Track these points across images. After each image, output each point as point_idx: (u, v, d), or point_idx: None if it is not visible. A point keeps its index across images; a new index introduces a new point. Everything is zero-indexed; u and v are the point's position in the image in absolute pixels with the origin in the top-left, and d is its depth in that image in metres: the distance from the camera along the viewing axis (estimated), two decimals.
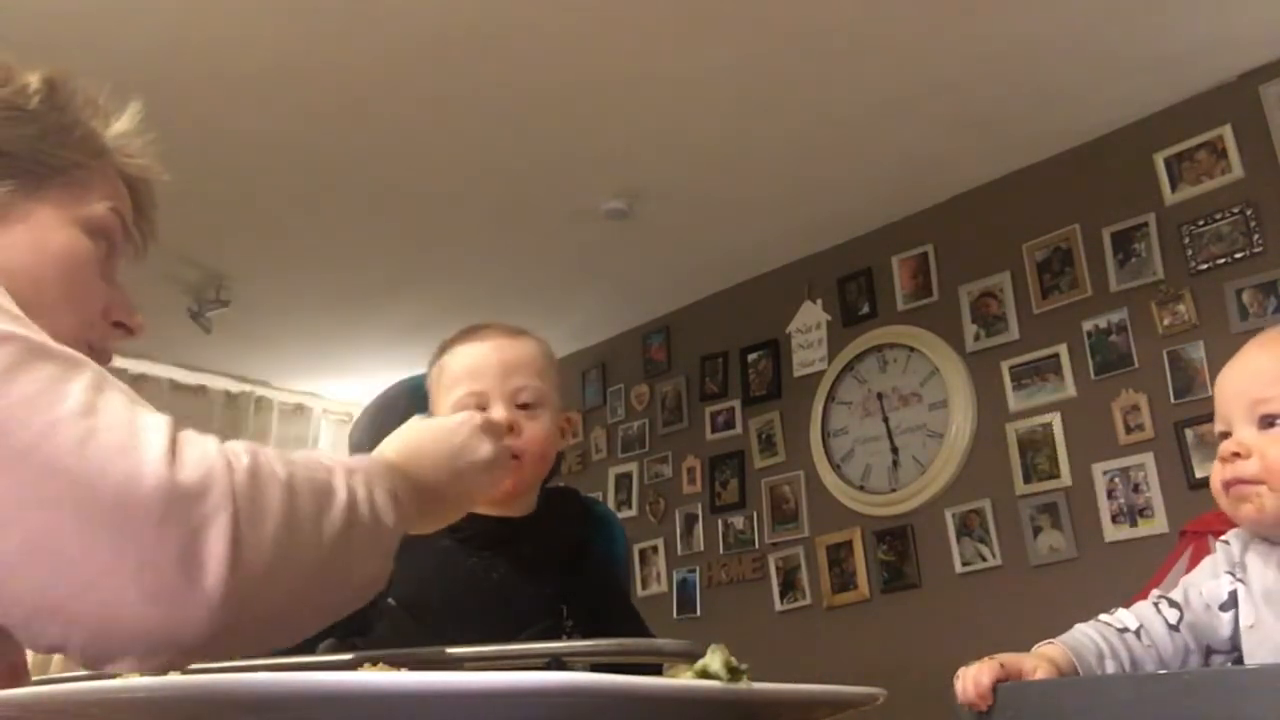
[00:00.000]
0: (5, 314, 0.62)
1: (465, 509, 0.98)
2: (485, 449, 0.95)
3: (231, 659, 0.64)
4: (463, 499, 0.95)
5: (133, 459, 0.57)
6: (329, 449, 4.89)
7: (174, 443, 0.60)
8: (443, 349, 1.39)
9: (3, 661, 0.76)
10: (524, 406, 1.33)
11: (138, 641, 0.57)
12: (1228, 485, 1.00)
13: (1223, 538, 1.05)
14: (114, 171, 0.91)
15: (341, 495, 0.68)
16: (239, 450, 0.63)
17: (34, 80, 0.86)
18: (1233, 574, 1.00)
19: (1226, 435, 1.03)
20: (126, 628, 0.57)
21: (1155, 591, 1.07)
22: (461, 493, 0.94)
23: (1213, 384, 1.10)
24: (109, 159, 0.90)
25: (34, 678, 0.84)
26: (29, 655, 0.81)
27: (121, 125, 0.92)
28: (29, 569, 0.56)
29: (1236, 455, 1.00)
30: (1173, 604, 1.02)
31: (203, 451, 0.61)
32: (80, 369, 0.61)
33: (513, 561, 1.32)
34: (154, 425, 0.60)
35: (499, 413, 1.31)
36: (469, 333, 1.39)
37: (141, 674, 0.61)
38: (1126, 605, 1.03)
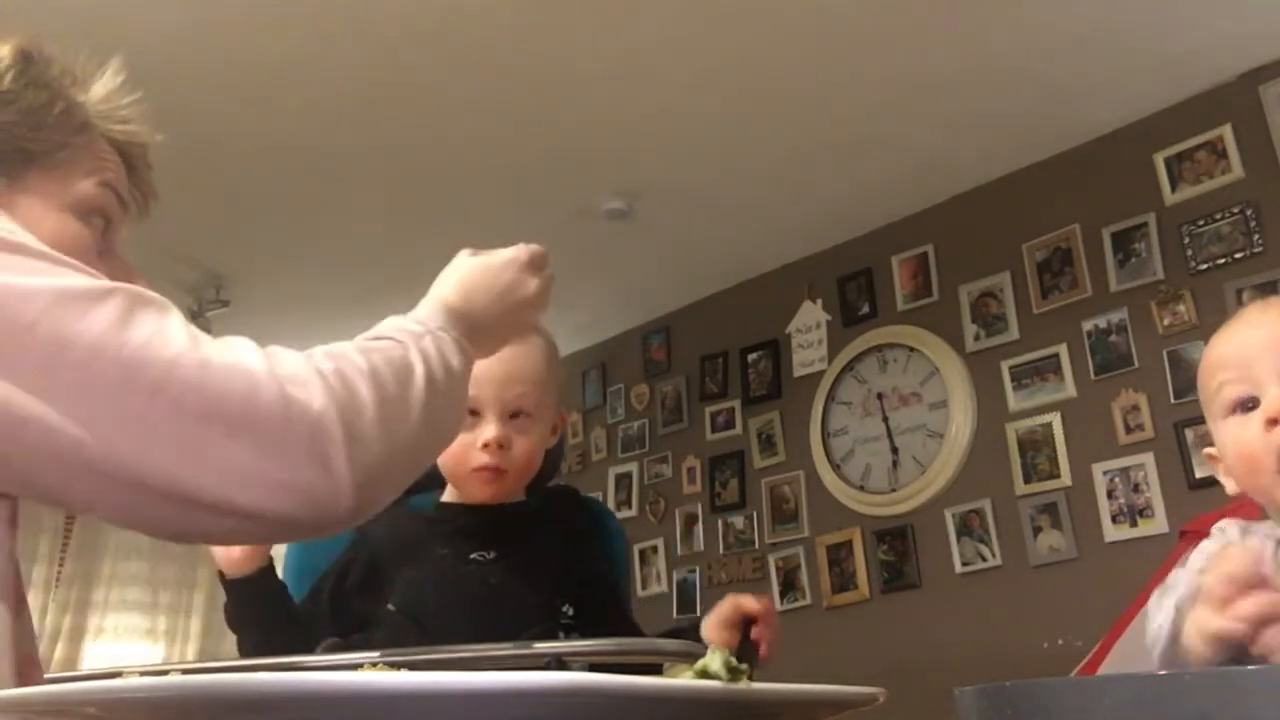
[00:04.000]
0: (80, 270, 0.70)
1: (511, 340, 1.03)
2: (532, 285, 1.00)
3: (362, 521, 0.74)
4: (510, 331, 1.01)
5: (248, 375, 0.68)
6: None
7: (269, 359, 0.70)
8: None
9: (18, 652, 0.76)
10: (517, 416, 1.33)
11: (284, 525, 0.69)
12: None
13: (1217, 525, 1.00)
14: (100, 141, 0.89)
15: (419, 367, 0.79)
16: (320, 356, 0.73)
17: (6, 54, 0.84)
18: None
19: (1248, 402, 0.93)
20: (274, 515, 0.67)
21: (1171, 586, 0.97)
22: (510, 325, 1.00)
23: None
24: (93, 129, 0.88)
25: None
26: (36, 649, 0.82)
27: (102, 90, 0.91)
28: (186, 474, 0.65)
29: None
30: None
31: (295, 364, 0.71)
32: (171, 309, 0.71)
33: (509, 567, 1.32)
34: (247, 346, 0.71)
35: (492, 428, 1.30)
36: None
37: (183, 670, 0.65)
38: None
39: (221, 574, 1.28)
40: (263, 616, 1.28)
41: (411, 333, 0.82)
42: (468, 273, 0.96)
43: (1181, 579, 0.93)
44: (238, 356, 0.69)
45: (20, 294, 0.65)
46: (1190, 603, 0.84)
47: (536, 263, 1.00)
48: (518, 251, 1.00)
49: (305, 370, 0.71)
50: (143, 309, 0.68)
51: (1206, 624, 0.78)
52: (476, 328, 0.91)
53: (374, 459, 0.71)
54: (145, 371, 0.65)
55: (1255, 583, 0.76)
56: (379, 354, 0.77)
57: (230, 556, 1.24)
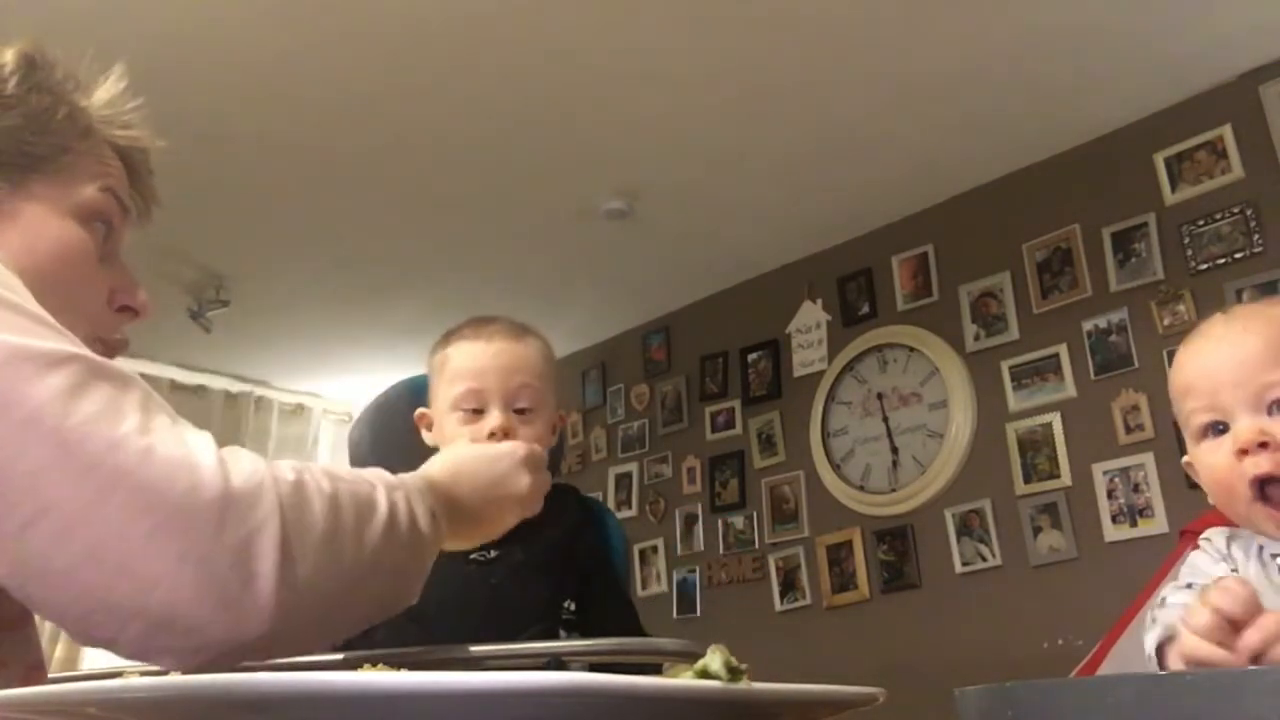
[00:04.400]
0: (54, 330, 0.66)
1: (495, 534, 1.00)
2: (524, 482, 0.98)
3: (276, 658, 0.67)
4: (494, 524, 0.98)
5: (192, 471, 0.62)
6: (329, 449, 4.89)
7: (222, 457, 0.65)
8: (447, 338, 1.40)
9: (21, 664, 0.76)
10: (521, 411, 1.34)
11: (193, 639, 0.62)
12: (1263, 481, 0.87)
13: (1204, 535, 0.99)
14: (103, 146, 0.88)
15: (383, 509, 0.73)
16: (284, 466, 0.68)
17: (9, 59, 0.83)
18: (1225, 561, 0.97)
19: (1219, 425, 0.93)
20: (184, 625, 0.61)
21: (1173, 584, 0.98)
22: (494, 518, 0.97)
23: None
24: (96, 134, 0.88)
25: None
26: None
27: (105, 94, 0.90)
28: (93, 570, 0.60)
29: (1264, 445, 0.88)
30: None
31: (251, 465, 0.66)
32: (131, 388, 0.66)
33: (509, 566, 1.32)
34: (202, 441, 0.65)
35: (496, 417, 1.32)
36: (475, 326, 1.39)
37: (181, 671, 0.64)
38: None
39: None
40: None
41: (386, 482, 0.77)
42: (460, 458, 0.96)
43: (1169, 603, 0.92)
44: (187, 449, 0.64)
45: None
46: (1174, 638, 0.85)
47: (533, 462, 1.00)
48: (515, 447, 1.00)
49: (259, 474, 0.66)
50: (99, 382, 0.64)
51: (1206, 656, 0.78)
52: (456, 510, 0.89)
53: (307, 586, 0.65)
54: (83, 448, 0.61)
55: (1252, 613, 0.76)
56: (346, 484, 0.71)
57: None
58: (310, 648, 0.69)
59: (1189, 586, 0.94)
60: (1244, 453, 0.90)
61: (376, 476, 0.77)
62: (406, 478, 0.81)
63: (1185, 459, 1.01)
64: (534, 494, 0.99)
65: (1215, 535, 0.99)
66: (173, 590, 0.61)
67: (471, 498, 0.92)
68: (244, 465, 0.65)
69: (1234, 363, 0.93)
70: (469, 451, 0.98)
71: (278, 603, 0.63)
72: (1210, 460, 0.94)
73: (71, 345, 0.66)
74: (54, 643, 4.66)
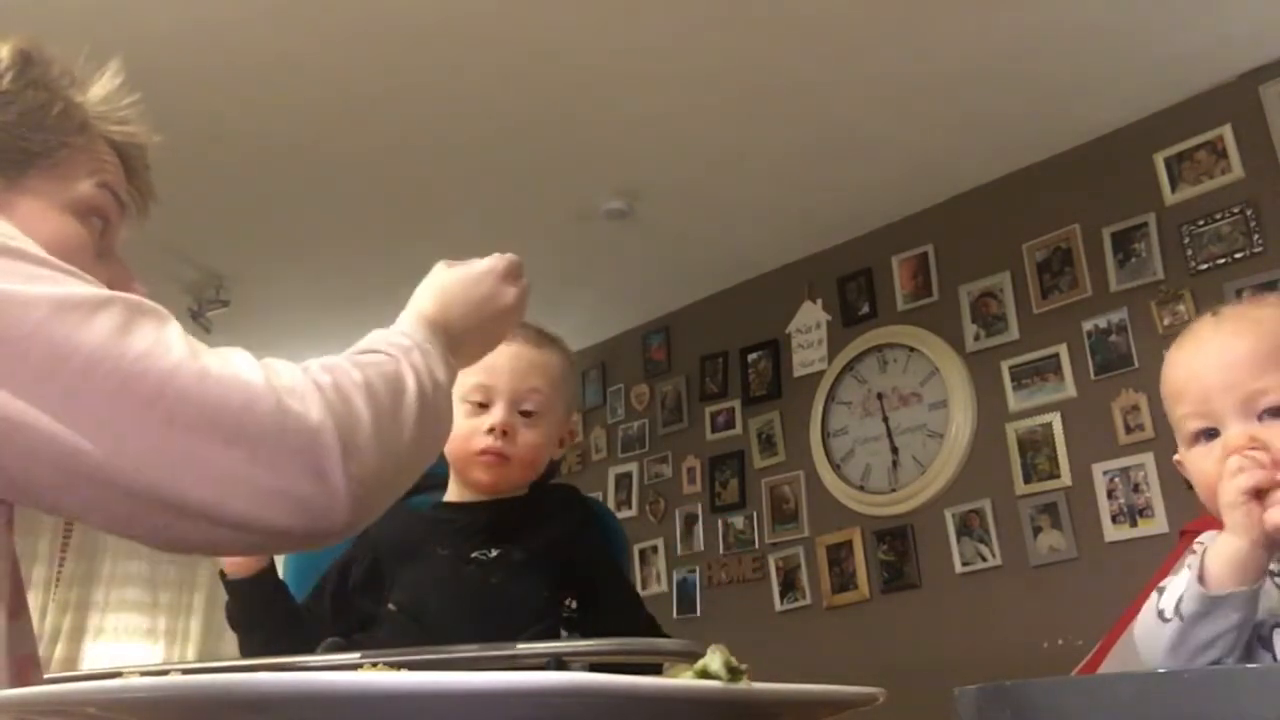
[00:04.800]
0: (81, 277, 0.70)
1: (493, 348, 1.03)
2: (510, 293, 1.00)
3: (354, 534, 0.76)
4: (489, 341, 1.01)
5: (245, 387, 0.68)
6: None
7: (266, 371, 0.70)
8: None
9: (18, 652, 0.76)
10: (526, 414, 1.35)
11: (278, 537, 0.69)
12: (1257, 492, 0.87)
13: (1199, 539, 1.01)
14: (99, 141, 0.89)
15: (410, 381, 0.79)
16: (316, 368, 0.74)
17: (5, 55, 0.84)
18: None
19: (1209, 432, 0.94)
20: (267, 526, 0.68)
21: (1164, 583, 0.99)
22: (488, 335, 1.00)
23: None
24: (92, 130, 0.88)
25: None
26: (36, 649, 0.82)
27: (101, 90, 0.91)
28: (175, 486, 0.66)
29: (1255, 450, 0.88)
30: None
31: (292, 376, 0.71)
32: (169, 320, 0.71)
33: (510, 566, 1.32)
34: (245, 358, 0.71)
35: (499, 412, 1.33)
36: None
37: (183, 670, 0.66)
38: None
39: (223, 574, 1.28)
40: (264, 617, 1.29)
41: (401, 347, 0.82)
42: (445, 284, 0.96)
43: (1182, 574, 0.93)
44: (235, 368, 0.69)
45: (19, 301, 0.65)
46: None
47: (513, 272, 1.01)
48: (494, 261, 1.00)
49: (302, 383, 0.71)
50: (142, 319, 0.69)
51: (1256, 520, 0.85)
52: (456, 339, 0.92)
53: (369, 471, 0.71)
54: (143, 381, 0.65)
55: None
56: (373, 368, 0.77)
57: (232, 558, 1.25)
58: (381, 512, 0.76)
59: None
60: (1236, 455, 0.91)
61: (392, 346, 0.82)
62: (409, 329, 0.87)
63: (1176, 457, 1.02)
64: (519, 303, 1.01)
65: (1209, 540, 0.99)
66: (251, 496, 0.66)
67: (465, 321, 0.95)
68: (285, 377, 0.71)
69: (1223, 368, 0.93)
70: (450, 276, 0.97)
71: (348, 493, 0.69)
72: (1202, 466, 0.95)
73: (104, 288, 0.70)
74: (54, 642, 4.67)
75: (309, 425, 0.69)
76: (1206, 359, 0.95)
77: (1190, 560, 0.93)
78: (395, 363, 0.80)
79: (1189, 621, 0.88)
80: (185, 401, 0.66)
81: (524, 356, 1.36)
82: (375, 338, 0.85)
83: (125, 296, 0.70)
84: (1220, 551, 0.88)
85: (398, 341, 0.83)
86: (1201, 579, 0.88)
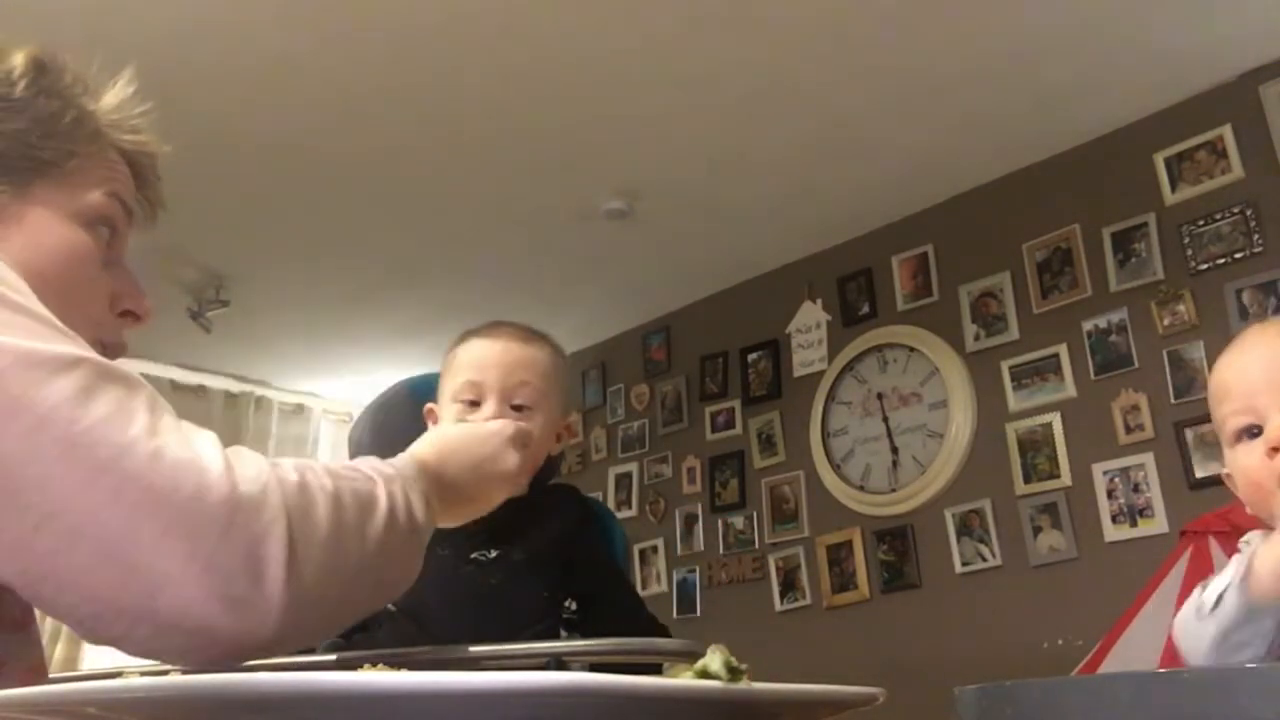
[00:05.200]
0: (60, 333, 0.67)
1: (483, 511, 1.02)
2: (512, 460, 1.00)
3: (283, 655, 0.68)
4: (483, 502, 1.00)
5: (200, 473, 0.63)
6: (329, 449, 4.89)
7: (228, 459, 0.65)
8: (461, 337, 1.42)
9: (22, 662, 0.76)
10: (519, 408, 1.35)
11: (202, 638, 0.63)
12: None
13: (1244, 539, 1.02)
14: (110, 150, 0.88)
15: (383, 504, 0.74)
16: (288, 466, 0.69)
17: (19, 62, 0.83)
18: None
19: (1253, 429, 0.96)
20: (192, 625, 0.62)
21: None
22: (483, 496, 0.99)
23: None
24: (103, 139, 0.88)
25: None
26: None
27: (114, 99, 0.90)
28: (103, 572, 0.61)
29: None
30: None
31: (257, 467, 0.66)
32: (139, 390, 0.66)
33: (510, 566, 1.32)
34: (208, 442, 0.66)
35: (491, 409, 1.33)
36: (488, 327, 1.41)
37: (183, 670, 0.65)
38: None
39: None
40: None
41: (383, 473, 0.78)
42: (449, 437, 0.97)
43: (1228, 569, 0.94)
44: (195, 451, 0.64)
45: None
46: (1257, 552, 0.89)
47: (519, 440, 1.01)
48: (502, 425, 1.01)
49: (265, 475, 0.66)
50: (107, 385, 0.64)
51: None
52: (446, 491, 0.90)
53: (314, 583, 0.66)
54: (93, 452, 0.61)
55: None
56: (347, 481, 0.73)
57: None
58: (316, 641, 0.70)
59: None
60: (1276, 450, 0.94)
61: (373, 469, 0.78)
62: (399, 464, 0.83)
63: (1225, 470, 1.03)
64: (521, 471, 1.01)
65: (1256, 540, 1.00)
66: (181, 591, 0.61)
67: (460, 477, 0.94)
68: (249, 468, 0.66)
69: (1268, 368, 0.97)
70: (456, 431, 0.99)
71: (286, 603, 0.64)
72: (1244, 462, 0.97)
73: (78, 348, 0.66)
74: (54, 642, 4.66)
75: (258, 523, 0.64)
76: (1252, 360, 0.99)
77: (1238, 558, 0.94)
78: (372, 484, 0.75)
79: (1230, 623, 0.89)
80: (132, 480, 0.61)
81: (512, 352, 1.37)
82: (362, 461, 0.80)
83: (95, 360, 0.66)
84: (1271, 555, 0.89)
85: (383, 469, 0.79)
86: (1245, 580, 0.89)
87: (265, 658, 0.67)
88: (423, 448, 0.92)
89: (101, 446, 0.61)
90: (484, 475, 0.97)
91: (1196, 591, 0.96)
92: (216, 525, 0.62)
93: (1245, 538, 1.01)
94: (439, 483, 0.88)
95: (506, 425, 1.02)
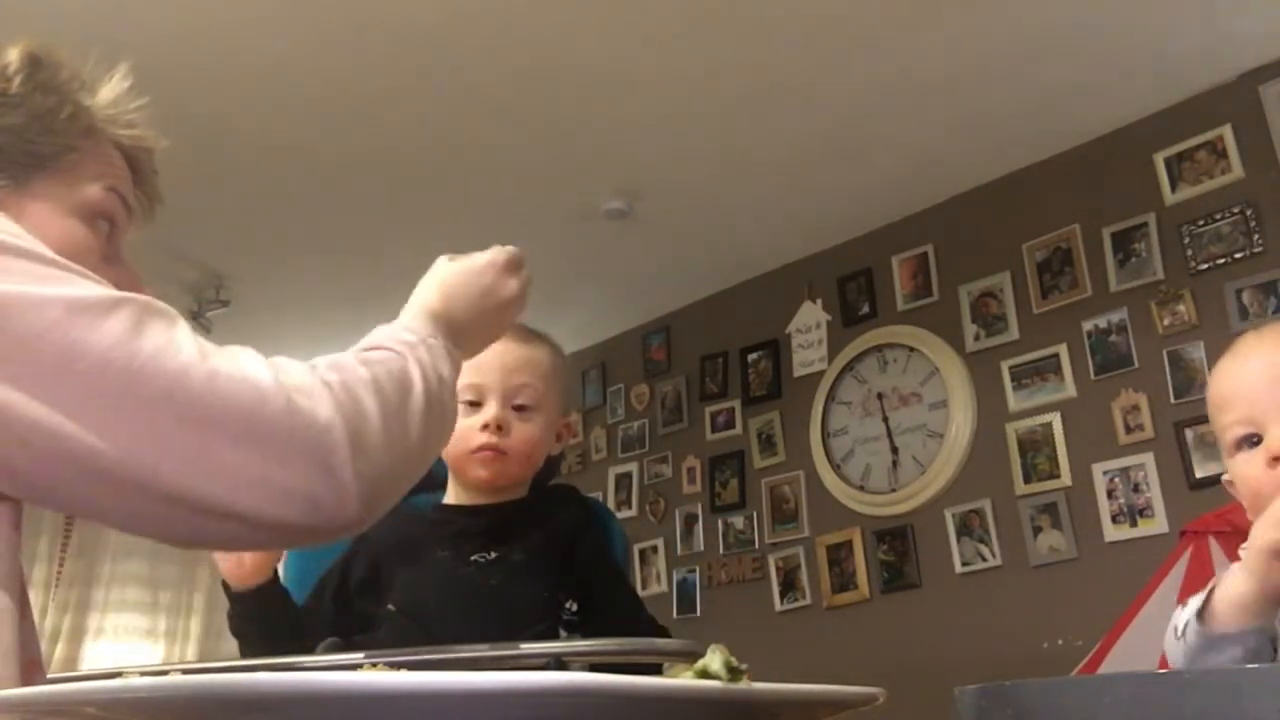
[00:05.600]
0: (93, 279, 0.71)
1: (495, 339, 1.05)
2: (512, 285, 1.01)
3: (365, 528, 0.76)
4: (491, 333, 1.03)
5: (255, 386, 0.69)
6: None
7: (275, 371, 0.71)
8: None
9: (25, 656, 0.76)
10: (519, 408, 1.35)
11: (290, 532, 0.70)
12: None
13: (1243, 547, 1.02)
14: (107, 145, 0.89)
15: (417, 378, 0.80)
16: (325, 367, 0.75)
17: (14, 58, 0.84)
18: None
19: (1253, 438, 0.96)
20: (279, 522, 0.69)
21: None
22: (492, 326, 1.01)
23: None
24: (100, 133, 0.88)
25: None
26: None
27: (110, 94, 0.91)
28: (189, 483, 0.67)
29: None
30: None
31: (301, 375, 0.72)
32: (178, 320, 0.71)
33: (509, 567, 1.32)
34: (253, 357, 0.71)
35: (492, 409, 1.33)
36: None
37: (183, 670, 0.66)
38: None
39: (225, 585, 1.27)
40: (267, 627, 1.28)
41: (406, 343, 0.84)
42: (448, 277, 0.97)
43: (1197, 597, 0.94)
44: (244, 368, 0.70)
45: (32, 302, 0.66)
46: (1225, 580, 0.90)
47: (514, 264, 1.02)
48: (495, 254, 1.01)
49: (311, 381, 0.72)
50: (152, 320, 0.69)
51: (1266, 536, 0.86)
52: (459, 332, 0.93)
53: (377, 468, 0.72)
54: (155, 381, 0.66)
55: None
56: (380, 365, 0.78)
57: (237, 570, 1.24)
58: (390, 506, 0.77)
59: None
60: (1277, 460, 0.94)
61: (398, 343, 0.83)
62: (414, 325, 0.87)
63: (1226, 477, 1.03)
64: (521, 295, 1.02)
65: (1228, 573, 1.00)
66: (263, 490, 0.67)
67: (468, 314, 0.96)
68: (295, 376, 0.72)
69: (1267, 377, 0.97)
70: (453, 269, 0.98)
71: (358, 488, 0.70)
72: (1245, 471, 0.97)
73: (114, 289, 0.71)
74: (54, 642, 4.67)
75: (318, 423, 0.69)
76: (1251, 369, 0.99)
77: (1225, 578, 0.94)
78: (402, 360, 0.81)
79: (1195, 652, 0.89)
80: (195, 401, 0.66)
81: (512, 352, 1.37)
82: (381, 334, 0.85)
83: (136, 297, 0.70)
84: (1229, 592, 0.89)
85: (403, 338, 0.84)
86: (1203, 614, 0.89)
87: (350, 536, 0.76)
88: (427, 295, 0.94)
89: (163, 375, 0.66)
90: (489, 308, 0.99)
91: (1178, 609, 0.96)
92: (281, 430, 0.68)
93: (1244, 547, 1.01)
94: (450, 326, 0.92)
95: (498, 253, 1.01)
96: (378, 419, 0.74)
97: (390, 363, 0.80)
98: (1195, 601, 0.92)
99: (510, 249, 1.02)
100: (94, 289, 0.69)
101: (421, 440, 0.79)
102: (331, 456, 0.69)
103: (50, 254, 0.71)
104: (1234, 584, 0.89)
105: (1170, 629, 0.94)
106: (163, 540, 0.72)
